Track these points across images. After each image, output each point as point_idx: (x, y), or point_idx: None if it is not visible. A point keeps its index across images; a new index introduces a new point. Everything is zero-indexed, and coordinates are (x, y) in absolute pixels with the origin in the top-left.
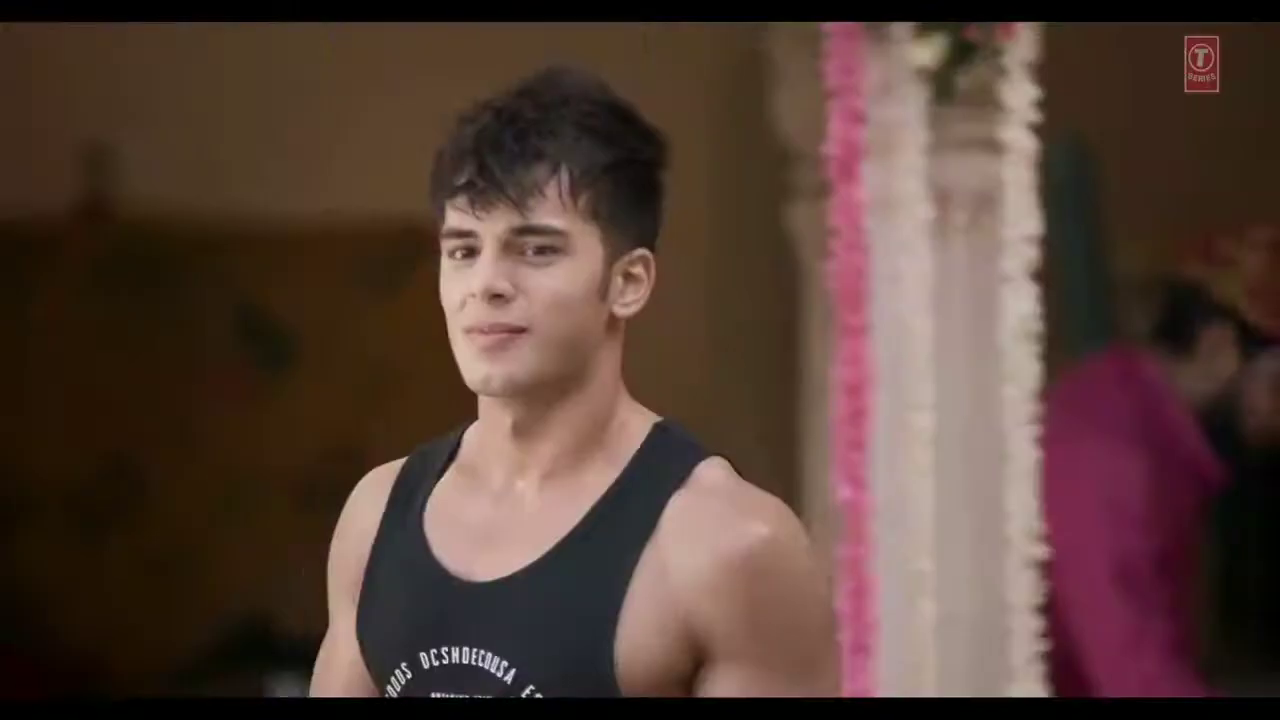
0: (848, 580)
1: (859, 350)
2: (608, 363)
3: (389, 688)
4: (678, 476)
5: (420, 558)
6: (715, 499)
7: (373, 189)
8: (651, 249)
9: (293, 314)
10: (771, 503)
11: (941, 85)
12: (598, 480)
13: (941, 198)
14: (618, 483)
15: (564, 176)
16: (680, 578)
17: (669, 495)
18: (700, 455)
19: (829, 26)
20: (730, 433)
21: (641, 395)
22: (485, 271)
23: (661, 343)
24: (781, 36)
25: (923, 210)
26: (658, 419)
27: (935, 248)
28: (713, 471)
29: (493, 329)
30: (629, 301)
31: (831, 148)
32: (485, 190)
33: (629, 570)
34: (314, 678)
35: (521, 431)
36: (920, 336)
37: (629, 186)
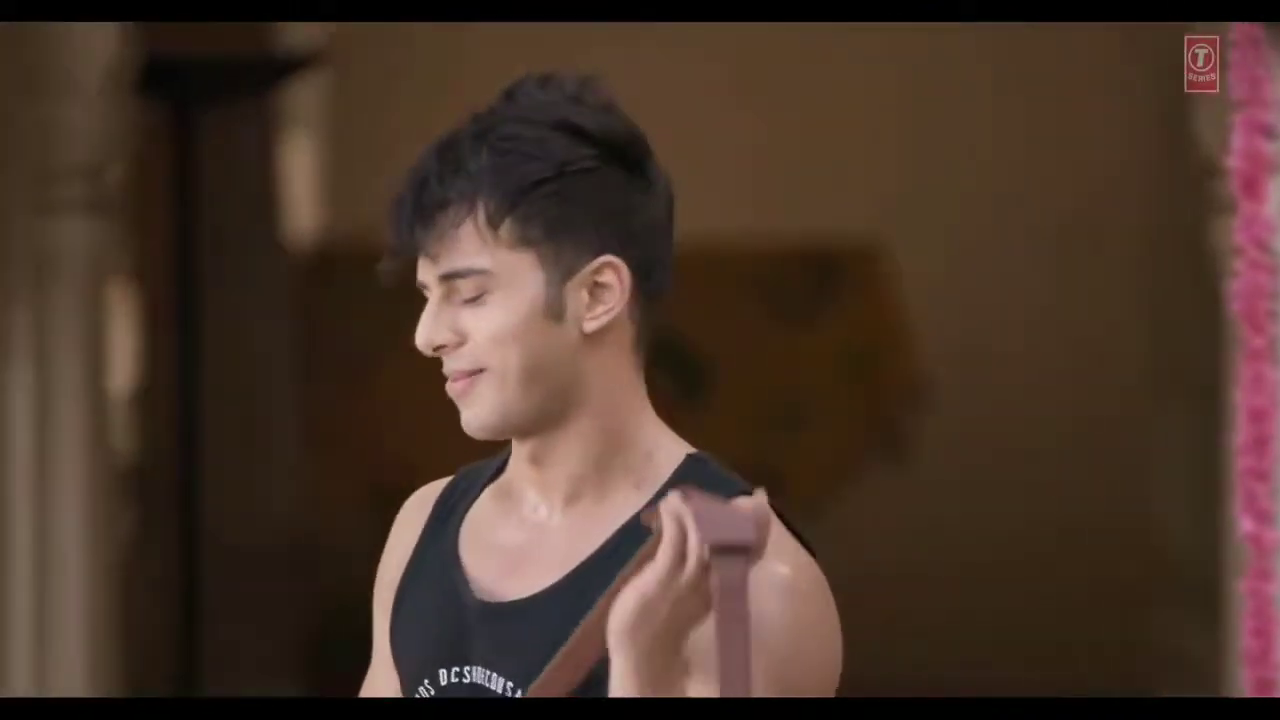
0: (1250, 619)
1: (1262, 374)
2: (604, 380)
3: None
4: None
5: (450, 577)
6: None
7: (790, 211)
8: (627, 253)
9: (706, 341)
10: (794, 549)
11: None
12: (624, 506)
13: None
14: (639, 517)
15: (480, 212)
16: None
17: None
18: (737, 489)
19: (1233, 35)
20: (1158, 453)
21: (1073, 407)
22: (422, 326)
23: (1092, 357)
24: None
25: None
26: (691, 450)
27: None
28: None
29: (454, 376)
30: (597, 314)
31: (1235, 162)
32: (403, 249)
33: None
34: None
35: (537, 458)
36: None
37: (568, 199)
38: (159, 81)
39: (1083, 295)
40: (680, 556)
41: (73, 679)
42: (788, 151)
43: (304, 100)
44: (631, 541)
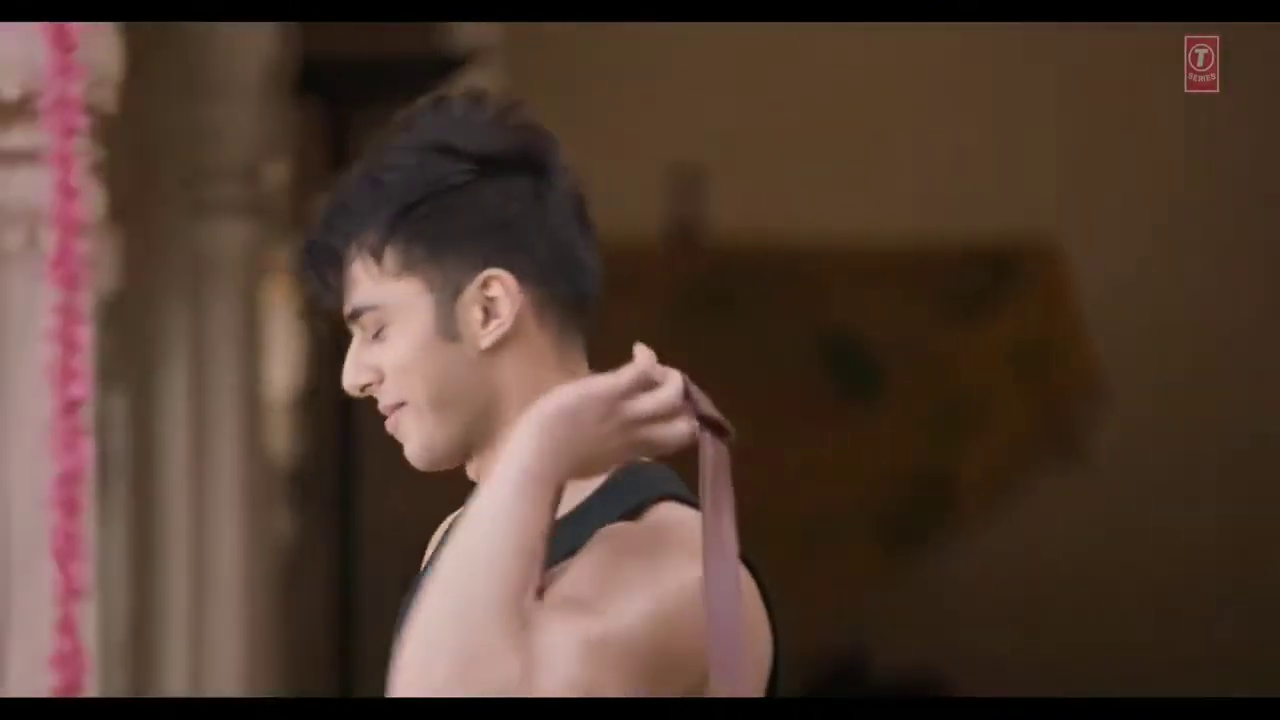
0: None
1: None
2: (522, 394)
3: None
4: (627, 507)
5: (418, 595)
6: (643, 532)
7: (961, 211)
8: (517, 263)
9: (878, 341)
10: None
11: None
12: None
13: None
14: (569, 514)
15: (363, 249)
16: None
17: (609, 524)
18: (662, 492)
19: None
20: None
21: (1255, 408)
22: (344, 369)
23: (1276, 358)
24: None
25: None
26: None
27: None
28: (665, 511)
29: (385, 410)
30: (490, 329)
31: None
32: (315, 296)
33: None
34: None
35: (481, 479)
36: None
37: (444, 218)
38: (317, 81)
39: (1264, 295)
40: (643, 384)
41: (229, 681)
42: (961, 148)
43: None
44: (555, 541)
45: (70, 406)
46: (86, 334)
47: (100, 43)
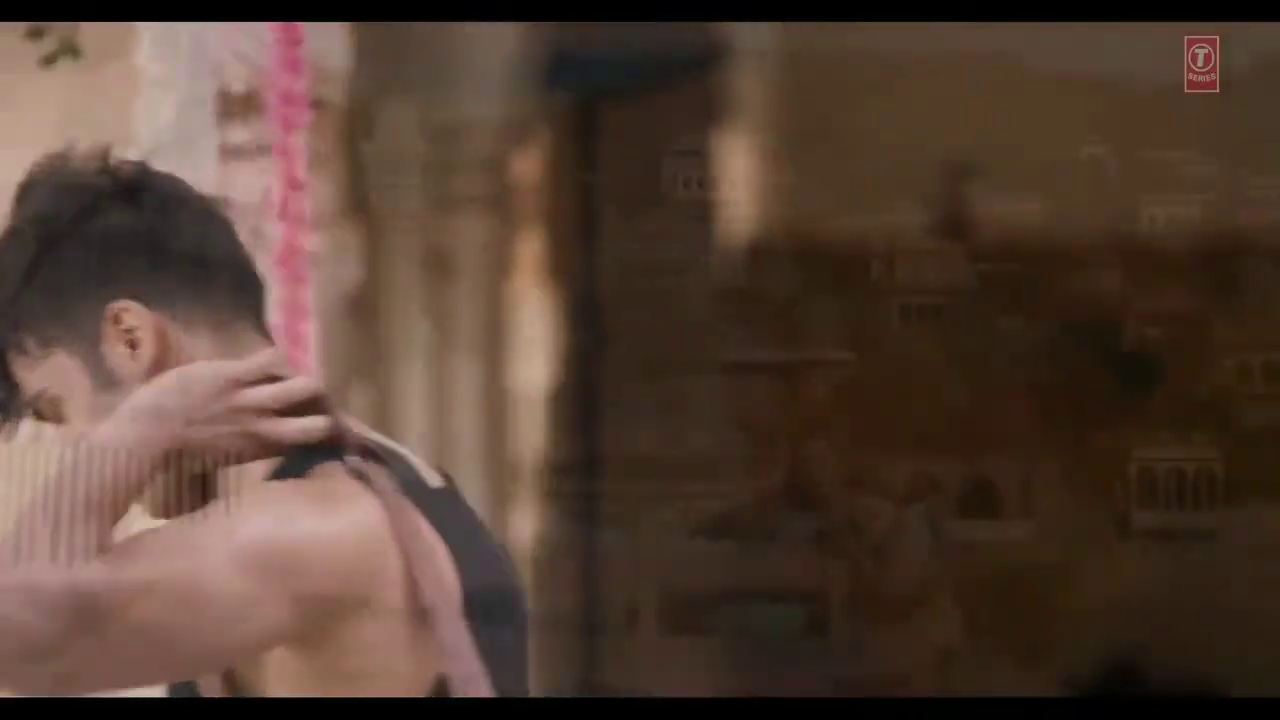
0: None
1: None
2: None
3: None
4: (295, 474)
5: None
6: (299, 481)
7: (1243, 205)
8: (138, 289)
9: (1152, 334)
10: (339, 514)
11: None
12: None
13: None
14: None
15: (8, 349)
16: None
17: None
18: (338, 458)
19: None
20: None
21: None
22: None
23: None
24: None
25: None
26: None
27: None
28: (326, 467)
29: None
30: (140, 358)
31: None
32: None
33: None
34: None
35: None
36: None
37: (54, 282)
38: (565, 74)
39: None
40: (264, 376)
41: None
42: (1246, 141)
43: (739, 92)
44: None
45: None
46: (311, 329)
47: (327, 37)
